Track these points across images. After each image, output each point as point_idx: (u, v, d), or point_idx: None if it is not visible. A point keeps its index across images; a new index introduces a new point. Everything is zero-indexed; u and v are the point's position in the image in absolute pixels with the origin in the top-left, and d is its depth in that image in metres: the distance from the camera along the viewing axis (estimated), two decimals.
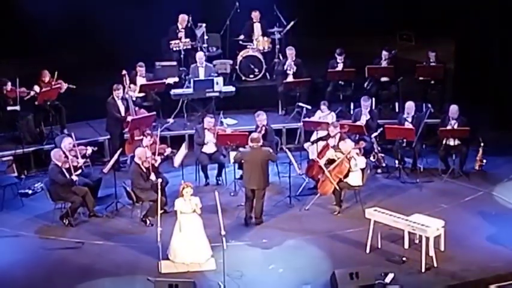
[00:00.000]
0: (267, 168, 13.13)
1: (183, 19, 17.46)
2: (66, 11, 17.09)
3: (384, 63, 16.91)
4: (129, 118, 15.13)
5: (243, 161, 13.29)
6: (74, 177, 13.26)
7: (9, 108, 15.34)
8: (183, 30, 17.43)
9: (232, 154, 14.00)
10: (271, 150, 13.49)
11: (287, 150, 14.14)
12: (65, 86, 15.87)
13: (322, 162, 13.66)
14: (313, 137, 14.85)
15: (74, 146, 13.84)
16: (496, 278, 11.52)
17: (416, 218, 12.12)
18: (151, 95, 16.41)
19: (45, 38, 16.91)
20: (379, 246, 12.36)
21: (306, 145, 15.07)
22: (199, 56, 16.72)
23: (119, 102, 15.33)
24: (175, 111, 16.72)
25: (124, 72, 15.94)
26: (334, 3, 19.26)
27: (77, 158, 13.69)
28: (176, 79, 16.89)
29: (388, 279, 11.43)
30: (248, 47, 17.98)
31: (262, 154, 13.17)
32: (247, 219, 13.24)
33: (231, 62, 17.91)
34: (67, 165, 13.35)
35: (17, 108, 15.34)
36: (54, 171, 13.30)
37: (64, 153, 13.50)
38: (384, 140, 15.18)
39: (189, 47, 17.39)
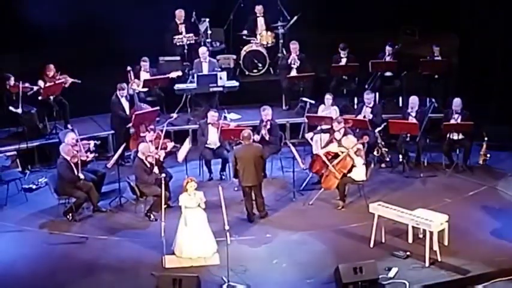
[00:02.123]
0: (259, 164, 13.09)
1: (180, 14, 17.47)
2: (70, 5, 17.06)
3: (387, 58, 16.89)
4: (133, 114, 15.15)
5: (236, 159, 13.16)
6: (81, 175, 13.24)
7: (11, 108, 15.33)
8: (182, 25, 17.43)
9: None
10: (261, 147, 13.41)
11: (291, 145, 14.13)
12: (69, 80, 15.90)
13: (322, 152, 13.64)
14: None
15: (77, 141, 13.85)
16: (500, 272, 11.53)
17: (420, 213, 12.12)
18: (155, 90, 16.40)
19: (49, 32, 16.87)
20: (383, 241, 12.36)
21: (307, 135, 14.93)
22: (202, 51, 16.70)
23: (123, 101, 15.34)
24: (179, 106, 16.69)
25: (129, 68, 15.99)
26: None
27: (82, 152, 13.69)
28: (180, 73, 16.86)
29: (392, 274, 11.45)
30: (252, 41, 17.96)
31: (254, 150, 13.12)
32: (251, 216, 13.21)
33: (234, 56, 17.89)
34: (76, 160, 13.37)
35: (19, 111, 15.30)
36: (63, 166, 13.30)
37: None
38: (388, 135, 15.17)
39: (193, 41, 17.40)
